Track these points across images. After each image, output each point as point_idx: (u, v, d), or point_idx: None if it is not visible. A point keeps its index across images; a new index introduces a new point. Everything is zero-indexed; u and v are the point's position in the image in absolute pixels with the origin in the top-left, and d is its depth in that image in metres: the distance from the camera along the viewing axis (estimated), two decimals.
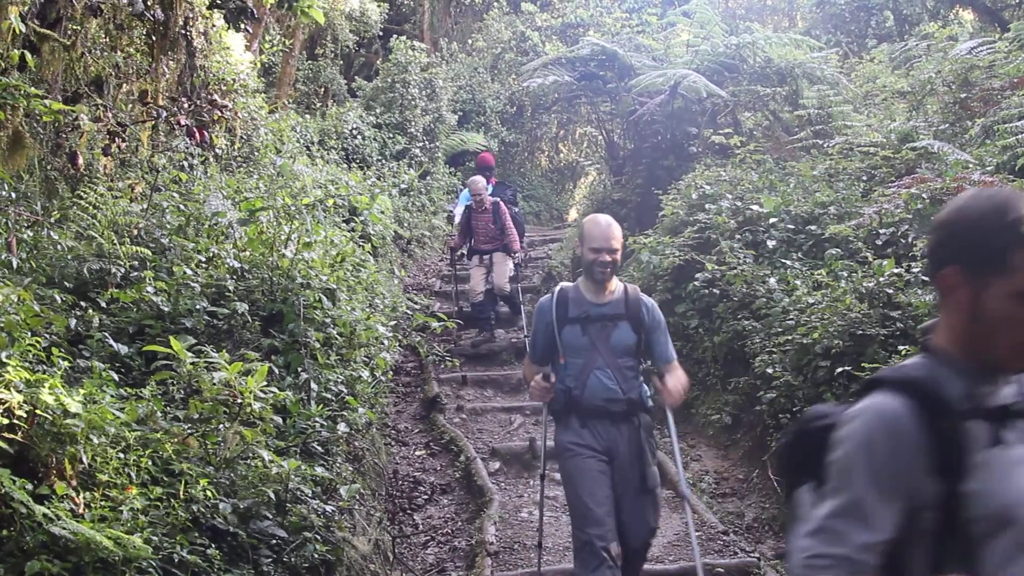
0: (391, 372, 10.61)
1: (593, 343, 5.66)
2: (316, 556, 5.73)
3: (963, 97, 11.34)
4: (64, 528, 4.04)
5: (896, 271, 8.23)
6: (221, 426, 5.59)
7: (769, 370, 8.78)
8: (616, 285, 5.82)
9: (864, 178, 11.39)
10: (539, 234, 21.84)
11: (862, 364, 7.59)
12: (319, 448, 6.84)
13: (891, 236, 9.45)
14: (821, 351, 8.17)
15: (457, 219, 14.91)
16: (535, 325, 5.85)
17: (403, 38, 22.15)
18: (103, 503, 4.44)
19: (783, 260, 10.18)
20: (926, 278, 8.19)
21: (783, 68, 15.33)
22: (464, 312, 14.46)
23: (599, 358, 5.65)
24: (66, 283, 6.79)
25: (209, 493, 5.03)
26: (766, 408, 8.77)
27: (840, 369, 7.85)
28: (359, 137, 19.66)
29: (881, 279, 8.21)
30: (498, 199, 14.07)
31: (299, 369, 7.24)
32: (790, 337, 8.62)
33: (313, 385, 7.19)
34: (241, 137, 12.48)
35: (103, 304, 6.71)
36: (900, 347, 7.52)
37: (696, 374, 10.66)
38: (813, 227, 10.43)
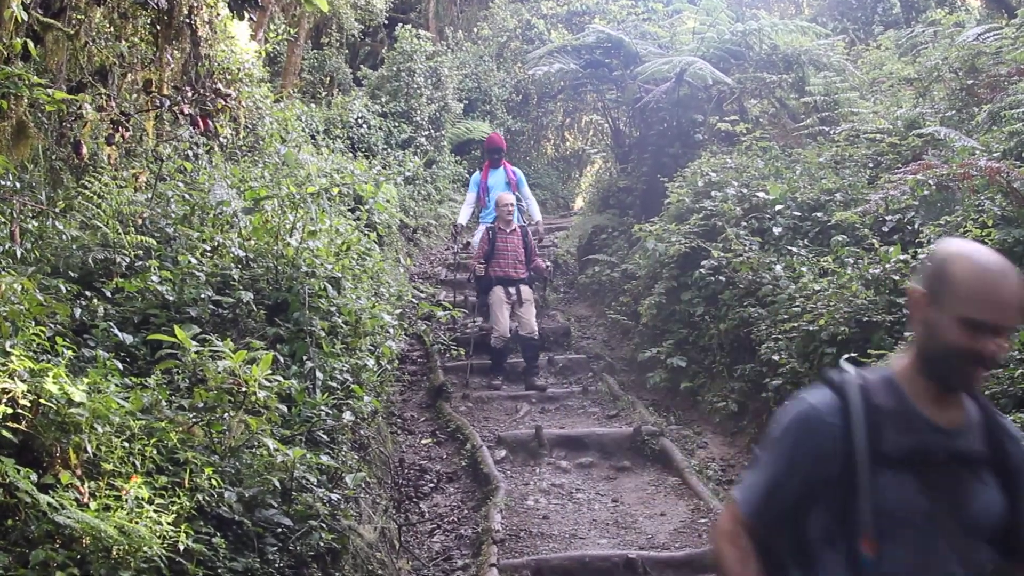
0: (397, 361, 10.60)
1: (937, 511, 2.66)
2: (322, 544, 5.73)
3: (970, 83, 11.30)
4: (69, 517, 4.04)
5: (902, 258, 8.21)
6: (226, 415, 5.59)
7: (775, 357, 8.78)
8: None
9: (870, 165, 11.38)
10: (545, 223, 21.81)
11: (868, 351, 7.57)
12: (324, 437, 6.84)
13: (897, 223, 9.44)
14: (827, 338, 8.16)
15: (462, 219, 13.88)
16: (784, 455, 2.78)
17: (408, 27, 22.10)
18: (108, 492, 4.44)
19: (789, 247, 10.17)
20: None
21: (789, 55, 15.29)
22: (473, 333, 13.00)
23: (944, 545, 2.67)
24: (71, 273, 6.79)
25: (214, 482, 5.03)
26: (772, 395, 8.77)
27: (846, 356, 7.83)
28: (364, 126, 19.64)
29: (887, 266, 8.19)
30: (527, 225, 12.82)
31: (304, 358, 7.24)
32: (796, 324, 8.61)
33: (318, 374, 7.19)
34: (246, 126, 12.47)
35: (108, 293, 6.71)
36: (906, 333, 7.50)
37: (703, 361, 10.68)
38: (819, 214, 10.42)
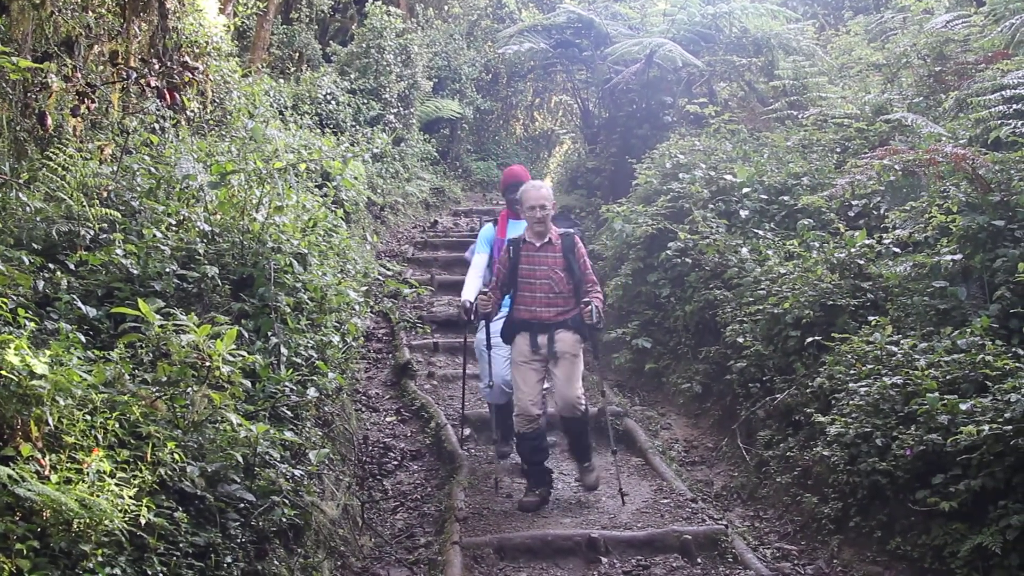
0: (362, 338, 10.58)
1: None
2: (284, 520, 5.73)
3: (938, 70, 11.37)
4: (29, 490, 4.01)
5: (867, 242, 8.28)
6: (189, 389, 5.56)
7: (740, 339, 8.83)
8: None
9: (838, 150, 11.44)
10: None
11: (832, 334, 7.63)
12: (288, 413, 6.83)
13: (863, 207, 9.50)
14: (792, 321, 8.21)
15: (470, 294, 8.45)
16: None
17: (379, 3, 21.96)
18: (69, 465, 4.41)
19: (755, 230, 10.22)
20: (897, 249, 8.24)
21: (759, 39, 15.34)
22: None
23: None
24: (34, 245, 6.72)
25: (177, 456, 5.01)
26: (736, 377, 8.82)
27: (810, 339, 7.90)
28: (333, 102, 19.53)
29: (852, 250, 8.25)
30: (573, 231, 8.12)
31: (269, 333, 7.21)
32: (761, 307, 8.66)
33: (283, 349, 7.16)
34: (213, 100, 12.37)
35: (72, 266, 6.65)
36: (870, 317, 7.56)
37: (667, 343, 10.71)
38: (786, 198, 10.47)
